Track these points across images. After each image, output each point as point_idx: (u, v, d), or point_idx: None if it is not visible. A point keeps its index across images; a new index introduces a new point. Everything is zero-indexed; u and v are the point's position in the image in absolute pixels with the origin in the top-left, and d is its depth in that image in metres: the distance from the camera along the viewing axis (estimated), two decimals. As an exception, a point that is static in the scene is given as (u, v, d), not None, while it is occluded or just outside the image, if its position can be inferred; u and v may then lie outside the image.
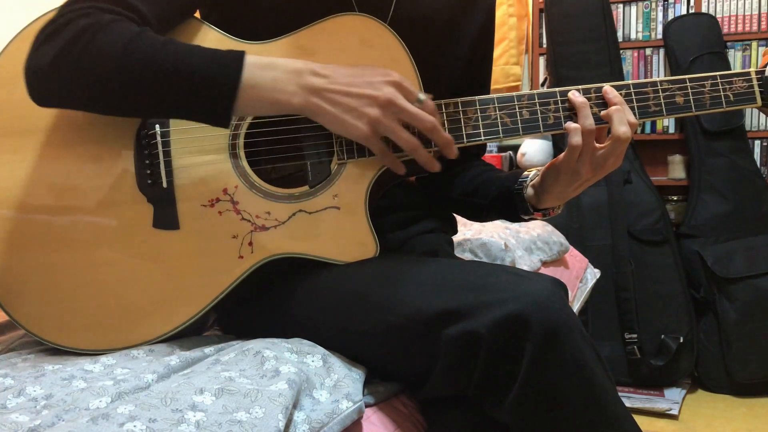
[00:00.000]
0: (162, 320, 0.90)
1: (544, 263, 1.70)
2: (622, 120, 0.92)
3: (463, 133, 0.93)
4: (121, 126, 0.91)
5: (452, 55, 1.07)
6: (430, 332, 0.77)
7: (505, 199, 1.09)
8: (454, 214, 1.22)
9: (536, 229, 1.79)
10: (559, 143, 2.74)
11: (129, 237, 0.90)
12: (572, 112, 0.94)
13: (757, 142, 2.71)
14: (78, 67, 0.83)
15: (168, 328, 0.90)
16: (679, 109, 0.96)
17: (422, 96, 0.87)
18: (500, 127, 0.93)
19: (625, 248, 2.55)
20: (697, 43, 2.66)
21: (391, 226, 1.04)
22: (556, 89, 0.94)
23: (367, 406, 0.83)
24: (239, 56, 0.84)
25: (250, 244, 0.91)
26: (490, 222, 1.66)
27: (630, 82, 0.96)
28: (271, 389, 0.71)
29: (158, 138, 0.91)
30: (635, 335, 2.50)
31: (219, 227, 0.91)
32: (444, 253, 1.07)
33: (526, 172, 1.08)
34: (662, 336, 2.50)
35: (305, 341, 0.86)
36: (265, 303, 0.97)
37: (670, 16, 2.78)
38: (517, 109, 0.93)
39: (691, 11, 2.76)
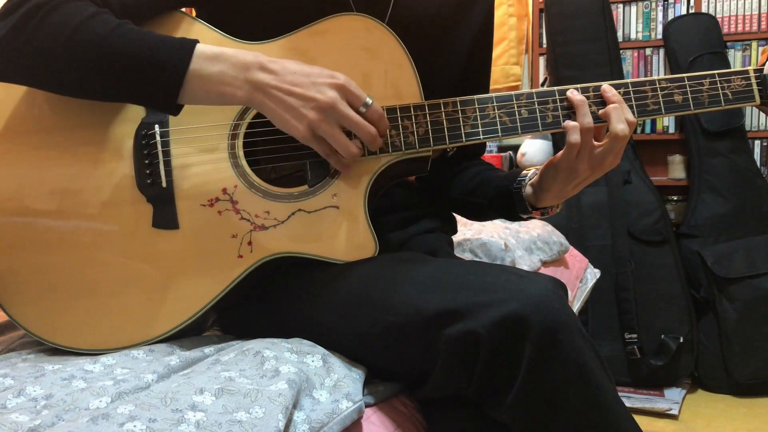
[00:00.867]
0: (162, 320, 0.90)
1: (544, 263, 1.70)
2: (620, 118, 0.92)
3: (462, 132, 0.93)
4: (121, 126, 0.92)
5: (451, 55, 1.07)
6: (430, 332, 0.77)
7: (504, 198, 1.09)
8: (454, 214, 1.22)
9: (536, 229, 1.79)
10: (558, 143, 2.74)
11: (128, 237, 0.90)
12: (571, 111, 0.94)
13: (757, 142, 2.71)
14: (28, 43, 0.83)
15: (168, 328, 0.90)
16: (678, 108, 0.96)
17: (369, 100, 0.86)
18: (499, 126, 0.93)
19: (625, 248, 2.55)
20: (697, 43, 2.66)
21: (390, 225, 1.04)
22: (555, 88, 0.94)
23: (367, 406, 0.82)
24: (189, 44, 0.84)
25: (250, 243, 0.91)
26: (490, 222, 1.66)
27: (629, 80, 0.96)
28: (271, 389, 0.71)
29: (158, 138, 0.91)
30: (635, 335, 2.50)
31: (218, 227, 0.91)
32: (444, 253, 1.07)
33: (524, 171, 1.08)
34: (662, 336, 2.50)
35: (305, 341, 0.86)
36: (265, 303, 0.97)
37: (670, 16, 2.78)
38: (516, 108, 0.93)
39: (691, 11, 2.76)
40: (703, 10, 2.74)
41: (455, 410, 0.82)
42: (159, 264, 0.90)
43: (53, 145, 0.91)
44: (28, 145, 0.91)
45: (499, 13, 2.96)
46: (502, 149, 3.08)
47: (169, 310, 0.90)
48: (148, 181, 0.90)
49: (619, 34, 2.83)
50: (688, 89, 0.96)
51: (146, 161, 0.91)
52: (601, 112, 0.93)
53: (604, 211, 2.60)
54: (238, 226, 0.91)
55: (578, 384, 0.73)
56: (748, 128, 2.70)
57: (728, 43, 2.72)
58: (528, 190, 1.06)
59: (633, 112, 0.94)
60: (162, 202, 0.90)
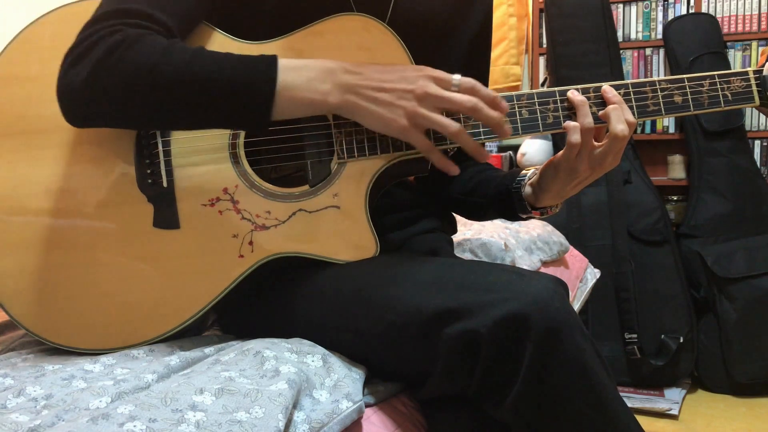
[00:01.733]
0: (162, 320, 0.90)
1: (544, 263, 1.70)
2: (620, 118, 0.92)
3: (463, 132, 0.93)
4: (121, 126, 0.91)
5: (450, 55, 1.08)
6: (430, 332, 0.77)
7: (504, 198, 1.09)
8: (454, 214, 1.22)
9: (536, 229, 1.79)
10: (559, 143, 2.74)
11: (129, 236, 0.90)
12: (571, 112, 0.94)
13: (757, 142, 2.71)
14: (113, 83, 0.82)
15: (168, 327, 0.90)
16: (678, 109, 0.97)
17: (456, 78, 0.86)
18: (500, 127, 0.93)
19: (625, 248, 2.55)
20: (697, 43, 2.66)
21: (391, 225, 1.04)
22: (555, 89, 0.94)
23: (367, 406, 0.82)
24: (272, 60, 0.84)
25: (251, 243, 0.91)
26: (490, 222, 1.66)
27: (629, 81, 0.96)
28: (271, 389, 0.71)
29: (158, 137, 0.91)
30: (635, 335, 2.50)
31: (219, 227, 0.91)
32: (444, 253, 1.07)
33: (524, 171, 1.08)
34: (662, 336, 2.50)
35: (305, 341, 0.86)
36: (265, 303, 0.97)
37: (670, 16, 2.78)
38: (517, 109, 0.93)
39: (691, 11, 2.76)
40: (703, 10, 2.74)
41: (455, 410, 0.82)
42: (159, 264, 0.90)
43: (54, 145, 0.91)
44: (29, 145, 0.90)
45: (499, 13, 2.96)
46: (502, 149, 3.08)
47: (170, 309, 0.90)
48: (149, 181, 0.90)
49: (619, 34, 2.83)
50: (688, 90, 0.96)
51: (147, 161, 0.91)
52: (601, 112, 0.94)
53: (604, 211, 2.60)
54: (239, 225, 0.91)
55: (579, 383, 0.73)
56: (748, 128, 2.70)
57: (728, 43, 2.72)
58: (528, 189, 1.06)
59: (633, 113, 0.95)
60: (163, 202, 0.90)
